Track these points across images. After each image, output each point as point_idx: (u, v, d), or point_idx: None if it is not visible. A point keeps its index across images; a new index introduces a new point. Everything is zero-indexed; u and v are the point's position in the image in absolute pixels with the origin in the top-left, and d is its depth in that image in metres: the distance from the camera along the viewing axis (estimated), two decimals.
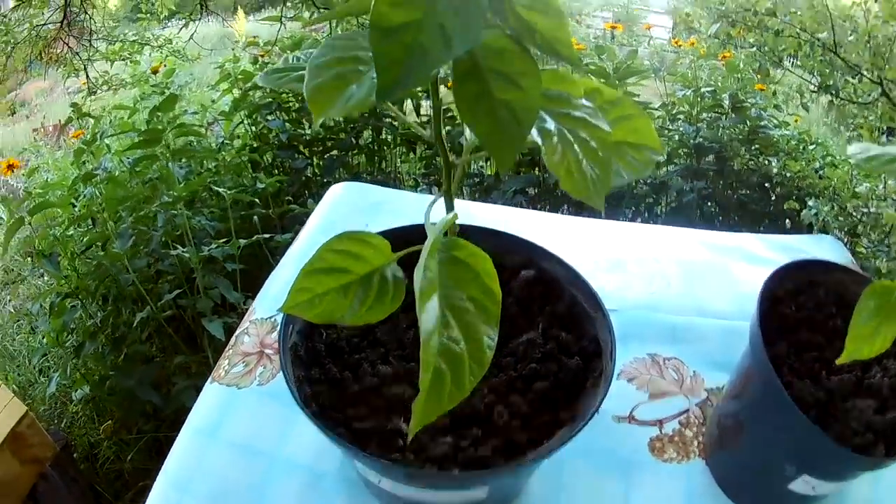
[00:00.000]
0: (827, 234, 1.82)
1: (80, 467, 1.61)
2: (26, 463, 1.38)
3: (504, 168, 0.35)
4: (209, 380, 0.81)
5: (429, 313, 0.35)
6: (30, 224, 1.50)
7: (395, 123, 2.21)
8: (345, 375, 0.54)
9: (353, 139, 2.27)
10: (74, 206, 1.67)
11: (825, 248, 1.07)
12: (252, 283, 1.54)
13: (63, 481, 1.48)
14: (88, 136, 1.66)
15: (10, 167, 1.52)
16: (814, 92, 2.32)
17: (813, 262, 0.70)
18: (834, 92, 2.22)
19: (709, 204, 2.31)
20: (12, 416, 1.36)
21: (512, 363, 0.56)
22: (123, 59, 2.67)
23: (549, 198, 2.22)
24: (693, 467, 0.71)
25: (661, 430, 0.74)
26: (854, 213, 1.78)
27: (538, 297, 0.63)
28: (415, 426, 0.35)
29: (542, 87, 0.37)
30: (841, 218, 1.81)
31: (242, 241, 1.62)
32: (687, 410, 0.77)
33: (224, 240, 1.65)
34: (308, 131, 2.21)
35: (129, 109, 1.90)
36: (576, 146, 0.39)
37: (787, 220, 2.20)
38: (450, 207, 0.45)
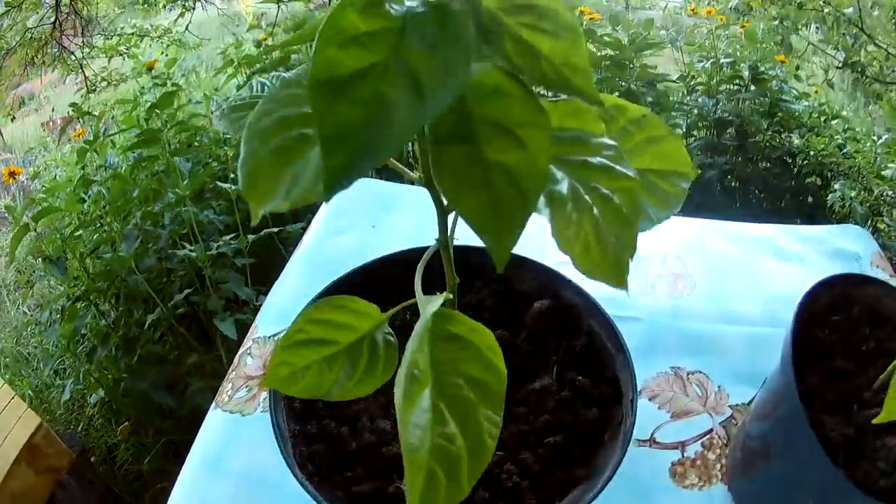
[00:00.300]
0: (850, 216, 1.77)
1: (97, 470, 1.61)
2: (42, 473, 1.37)
3: (503, 260, 0.27)
4: (213, 405, 0.79)
5: (417, 417, 0.29)
6: (35, 231, 1.47)
7: None
8: (342, 431, 0.50)
9: None
10: (84, 201, 1.64)
11: (851, 238, 1.03)
12: (265, 276, 1.50)
13: (80, 486, 1.47)
14: (91, 135, 1.62)
15: (12, 174, 1.48)
16: (838, 68, 2.23)
17: (846, 276, 0.65)
18: (860, 69, 2.12)
19: (728, 178, 2.24)
20: (27, 428, 1.34)
21: (523, 414, 0.52)
22: (121, 55, 2.60)
23: None
24: (714, 493, 0.68)
25: (683, 454, 0.71)
26: (881, 196, 1.72)
27: (553, 331, 0.58)
28: None
29: (553, 126, 0.28)
30: (866, 201, 1.76)
31: (251, 237, 1.58)
32: (710, 430, 0.73)
33: (233, 234, 1.61)
34: None
35: (131, 103, 1.85)
36: (595, 210, 0.31)
37: (810, 197, 2.14)
38: (449, 269, 0.39)
